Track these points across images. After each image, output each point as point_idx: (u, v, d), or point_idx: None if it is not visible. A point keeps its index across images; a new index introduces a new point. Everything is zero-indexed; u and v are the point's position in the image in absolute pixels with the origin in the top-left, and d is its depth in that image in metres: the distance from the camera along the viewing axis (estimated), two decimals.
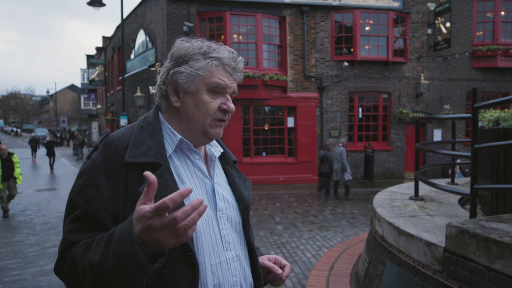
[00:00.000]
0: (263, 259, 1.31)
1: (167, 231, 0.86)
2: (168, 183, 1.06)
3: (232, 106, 1.18)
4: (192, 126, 1.16)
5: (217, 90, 1.15)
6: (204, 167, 1.19)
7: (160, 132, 1.16)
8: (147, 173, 0.88)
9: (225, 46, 1.20)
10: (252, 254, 1.25)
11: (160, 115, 1.21)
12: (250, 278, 1.22)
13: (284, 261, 1.34)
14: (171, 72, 1.15)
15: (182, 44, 1.16)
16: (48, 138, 21.79)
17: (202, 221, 1.10)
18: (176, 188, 1.07)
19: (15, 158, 8.53)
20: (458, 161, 6.58)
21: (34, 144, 24.18)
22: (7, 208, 8.42)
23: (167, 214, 0.85)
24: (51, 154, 18.75)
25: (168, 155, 1.13)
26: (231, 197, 1.24)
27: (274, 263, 1.32)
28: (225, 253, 1.14)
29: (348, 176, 10.02)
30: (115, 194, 1.05)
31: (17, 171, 8.50)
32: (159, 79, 1.21)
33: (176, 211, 0.85)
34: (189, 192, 0.86)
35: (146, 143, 1.11)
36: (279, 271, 1.28)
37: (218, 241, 1.14)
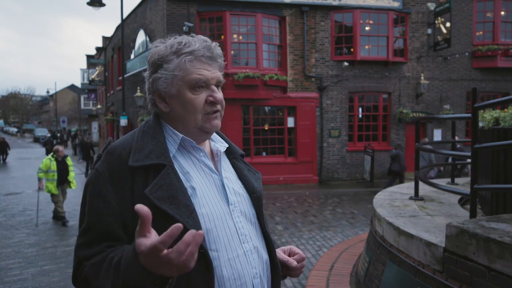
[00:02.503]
0: (278, 252, 1.30)
1: (167, 266, 0.87)
2: (173, 183, 1.06)
3: (218, 96, 1.16)
4: (187, 126, 1.16)
5: (199, 85, 1.13)
6: (210, 163, 1.19)
7: (162, 134, 1.16)
8: (138, 207, 0.85)
9: (198, 36, 1.16)
10: (269, 245, 1.25)
11: (160, 118, 1.22)
12: (268, 270, 1.22)
13: (297, 250, 1.32)
14: (150, 80, 1.16)
15: (156, 48, 1.16)
16: (84, 139, 18.80)
17: (214, 217, 1.10)
18: (183, 187, 1.07)
19: (69, 161, 8.06)
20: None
21: (50, 146, 21.16)
22: (63, 214, 7.81)
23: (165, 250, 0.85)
24: (88, 159, 16.16)
25: (172, 155, 1.13)
26: (242, 190, 1.23)
27: (289, 255, 1.31)
28: (242, 246, 1.14)
29: (434, 174, 10.30)
30: (122, 200, 1.06)
31: (71, 175, 8.01)
32: (146, 88, 1.20)
33: (170, 250, 0.85)
34: (179, 229, 0.84)
35: (149, 146, 1.12)
36: (294, 264, 1.27)
37: (234, 234, 1.13)
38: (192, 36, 1.16)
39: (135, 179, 1.07)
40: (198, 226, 1.05)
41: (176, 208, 1.03)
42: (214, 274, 1.06)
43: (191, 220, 1.04)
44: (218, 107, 1.17)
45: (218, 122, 1.18)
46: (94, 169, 1.11)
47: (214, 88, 1.15)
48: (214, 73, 1.15)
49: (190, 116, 1.14)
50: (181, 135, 1.15)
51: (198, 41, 1.13)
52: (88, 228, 1.06)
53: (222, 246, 1.10)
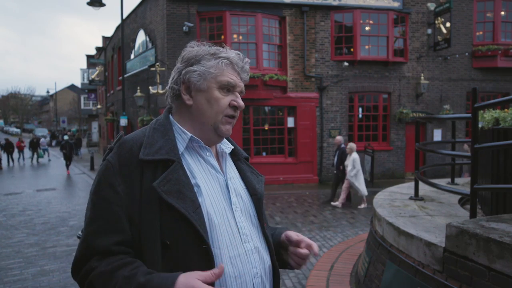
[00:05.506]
0: (291, 233, 1.32)
1: None
2: (181, 179, 1.11)
3: (241, 102, 1.24)
4: (205, 122, 1.21)
5: (228, 88, 1.21)
6: (216, 164, 1.23)
7: (172, 132, 1.20)
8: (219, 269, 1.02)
9: (231, 49, 1.27)
10: (269, 247, 1.27)
11: (170, 117, 1.26)
12: (269, 270, 1.25)
13: (308, 241, 1.29)
14: (183, 72, 1.22)
15: (192, 48, 1.25)
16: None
17: (217, 215, 1.14)
18: (189, 184, 1.11)
19: None
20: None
21: (69, 150, 17.20)
22: None
23: None
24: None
25: (180, 152, 1.17)
26: (244, 191, 1.28)
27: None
28: (244, 245, 1.17)
29: None
30: (131, 193, 1.09)
31: None
32: (170, 80, 1.26)
33: None
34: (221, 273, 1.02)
35: (159, 142, 1.16)
36: (305, 250, 1.26)
37: (235, 233, 1.16)
38: (227, 48, 1.27)
39: (144, 173, 1.11)
40: (202, 221, 1.08)
41: (183, 203, 1.07)
42: None
43: (196, 215, 1.07)
44: (238, 113, 1.25)
45: (230, 128, 1.24)
46: (105, 160, 1.15)
47: (238, 95, 1.24)
48: (241, 82, 1.25)
49: (211, 113, 1.20)
50: (190, 134, 1.20)
51: (233, 52, 1.25)
52: (97, 216, 1.09)
53: (224, 244, 1.13)
